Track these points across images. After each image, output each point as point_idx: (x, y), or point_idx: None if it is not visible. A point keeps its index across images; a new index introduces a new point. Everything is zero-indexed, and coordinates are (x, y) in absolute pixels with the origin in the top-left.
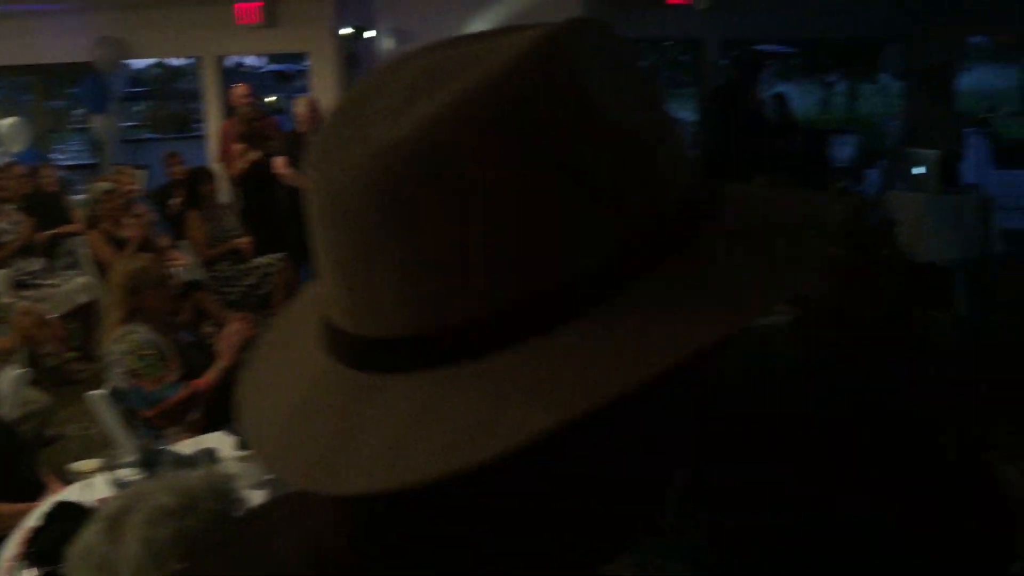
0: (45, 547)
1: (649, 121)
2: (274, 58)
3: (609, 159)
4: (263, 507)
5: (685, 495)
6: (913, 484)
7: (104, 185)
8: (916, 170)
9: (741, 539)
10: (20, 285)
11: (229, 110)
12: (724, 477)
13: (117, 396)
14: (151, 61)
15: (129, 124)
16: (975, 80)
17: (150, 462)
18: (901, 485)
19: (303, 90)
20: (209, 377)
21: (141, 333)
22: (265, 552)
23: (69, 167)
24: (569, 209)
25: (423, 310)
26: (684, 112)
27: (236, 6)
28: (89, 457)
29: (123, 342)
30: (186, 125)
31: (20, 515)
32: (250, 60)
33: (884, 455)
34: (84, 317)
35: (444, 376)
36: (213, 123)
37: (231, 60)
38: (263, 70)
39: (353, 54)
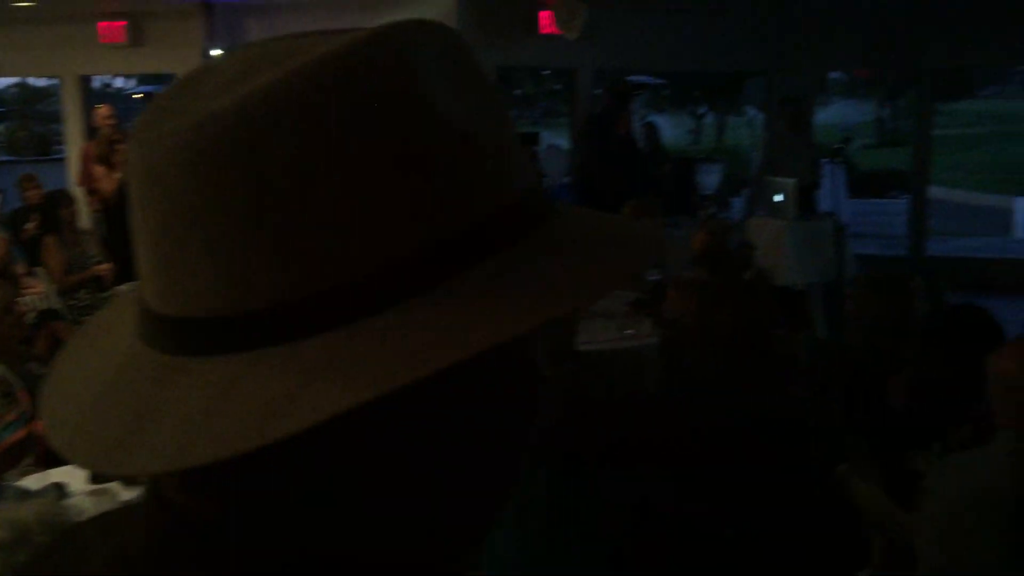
0: None
1: (485, 124)
2: (143, 79)
3: (435, 152)
4: (77, 527)
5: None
6: (768, 494)
7: None
8: (776, 198)
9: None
10: None
11: (91, 131)
12: (593, 484)
13: None
14: (11, 81)
15: None
16: (834, 114)
17: None
18: (757, 495)
19: None
20: None
21: None
22: (78, 572)
23: None
24: (388, 197)
25: (232, 290)
26: (560, 139)
27: (100, 25)
28: None
29: None
30: (47, 147)
31: None
32: (119, 82)
33: (741, 466)
34: None
35: (251, 358)
36: (74, 145)
37: (98, 81)
38: (132, 92)
39: None
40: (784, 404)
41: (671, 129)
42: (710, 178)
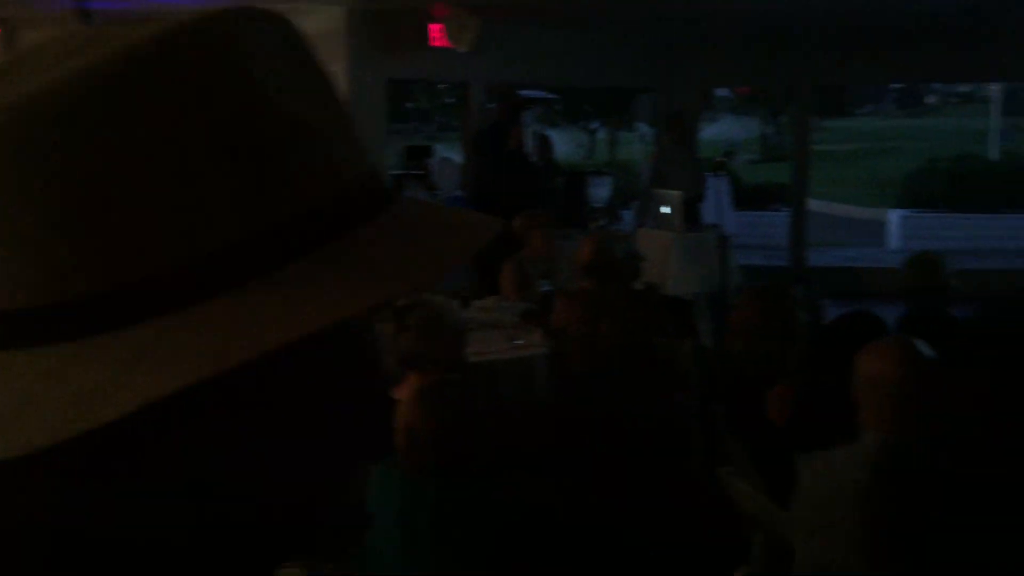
0: None
1: (317, 111)
2: None
3: (262, 138)
4: None
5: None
6: (653, 497)
7: None
8: (663, 210)
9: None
10: None
11: None
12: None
13: None
14: None
15: None
16: (722, 130)
17: None
18: (642, 498)
19: None
20: None
21: None
22: None
23: None
24: (209, 184)
25: (49, 280)
26: (454, 153)
27: None
28: None
29: None
30: None
31: None
32: None
33: (627, 470)
34: None
35: (69, 349)
36: None
37: None
38: None
39: None
40: (669, 410)
41: (564, 144)
42: (601, 191)
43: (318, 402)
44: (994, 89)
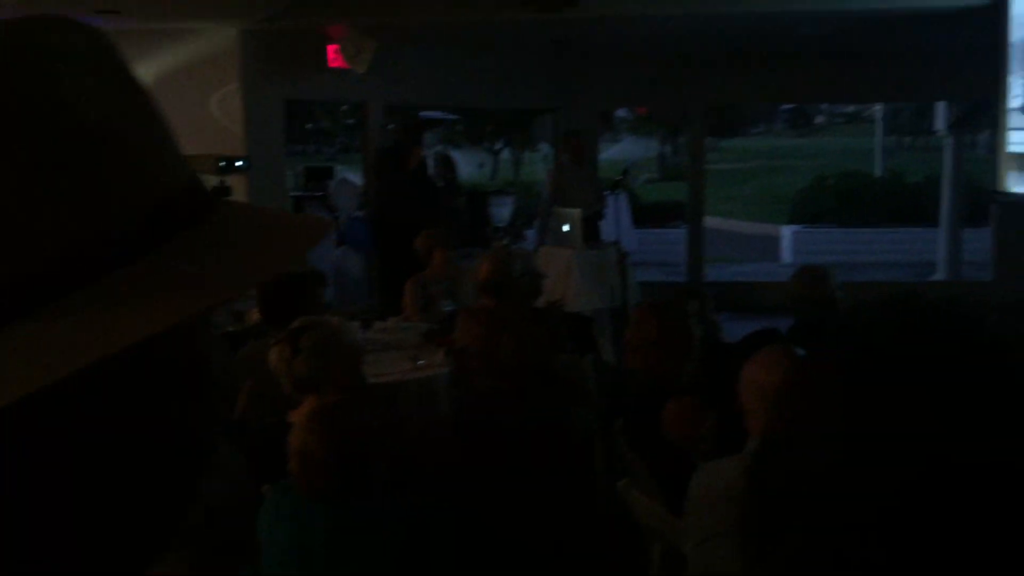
0: None
1: (130, 124)
2: None
3: (69, 152)
4: None
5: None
6: (554, 510)
7: None
8: (564, 228)
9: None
10: None
11: None
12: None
13: None
14: None
15: None
16: (623, 149)
17: None
18: (544, 511)
19: None
20: None
21: None
22: None
23: None
24: (16, 201)
25: None
26: (354, 174)
27: None
28: None
29: None
30: None
31: None
32: None
33: (529, 485)
34: None
35: None
36: None
37: None
38: None
39: None
40: (570, 425)
41: (468, 164)
42: (503, 210)
43: (134, 409)
44: (877, 109)
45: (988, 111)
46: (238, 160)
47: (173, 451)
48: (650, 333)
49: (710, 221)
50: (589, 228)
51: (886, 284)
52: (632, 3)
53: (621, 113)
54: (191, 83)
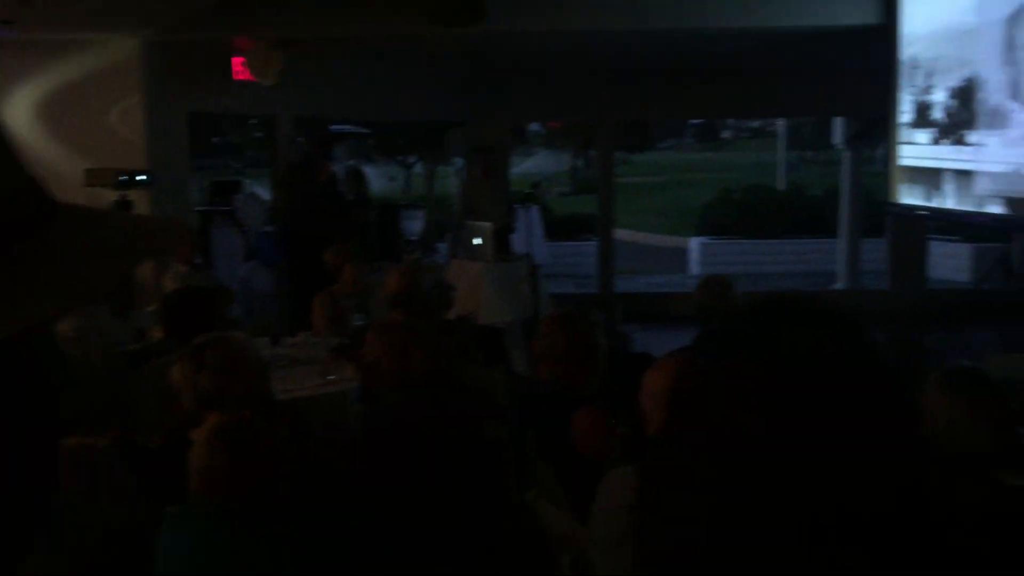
0: None
1: None
2: None
3: None
4: None
5: None
6: (467, 522)
7: None
8: (475, 241)
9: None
10: None
11: None
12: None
13: None
14: None
15: None
16: (537, 163)
17: None
18: (455, 523)
19: None
20: None
21: None
22: None
23: None
24: None
25: None
26: (263, 188)
27: None
28: None
29: None
30: None
31: None
32: None
33: (439, 497)
34: None
35: None
36: None
37: None
38: None
39: None
40: (481, 438)
41: (379, 178)
42: (415, 224)
43: None
44: (780, 124)
45: (881, 126)
46: (140, 174)
47: None
48: (557, 344)
49: (622, 234)
50: (500, 241)
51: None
52: (540, 19)
53: (534, 127)
54: (91, 95)
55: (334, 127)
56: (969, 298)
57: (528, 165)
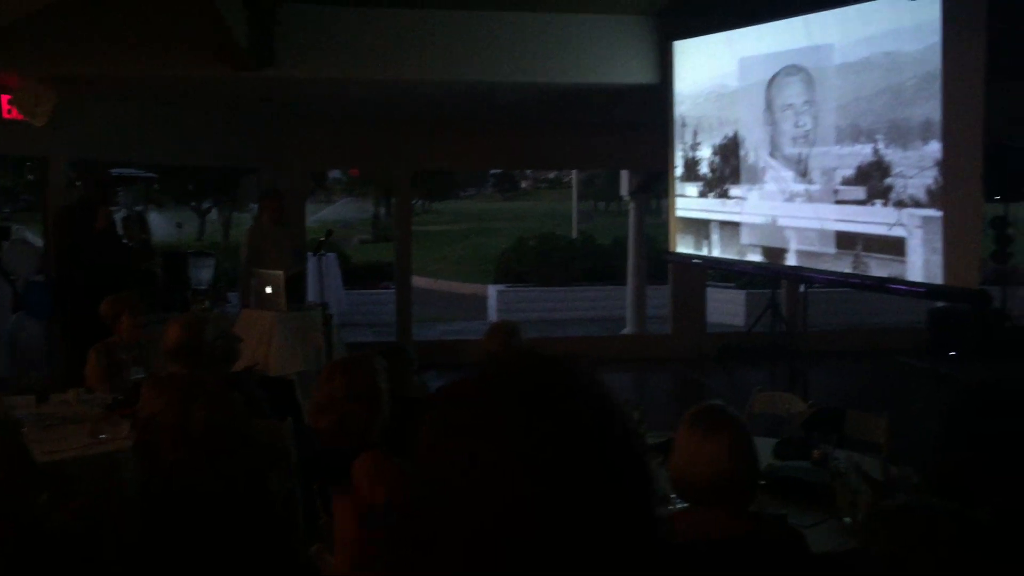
0: None
1: None
2: None
3: None
4: None
5: None
6: None
7: None
8: (267, 290)
9: None
10: None
11: None
12: None
13: None
14: None
15: None
16: (339, 210)
17: None
18: None
19: None
20: None
21: None
22: None
23: None
24: None
25: None
26: (34, 234)
27: None
28: None
29: None
30: None
31: None
32: None
33: (225, 555)
34: None
35: None
36: None
37: None
38: None
39: None
40: (267, 491)
41: (167, 224)
42: (204, 272)
43: None
44: (574, 175)
45: (662, 179)
46: None
47: None
48: (337, 391)
49: (424, 281)
50: (294, 290)
51: (580, 339)
52: (331, 66)
53: (335, 174)
54: None
55: (116, 170)
56: (742, 340)
57: (328, 212)
